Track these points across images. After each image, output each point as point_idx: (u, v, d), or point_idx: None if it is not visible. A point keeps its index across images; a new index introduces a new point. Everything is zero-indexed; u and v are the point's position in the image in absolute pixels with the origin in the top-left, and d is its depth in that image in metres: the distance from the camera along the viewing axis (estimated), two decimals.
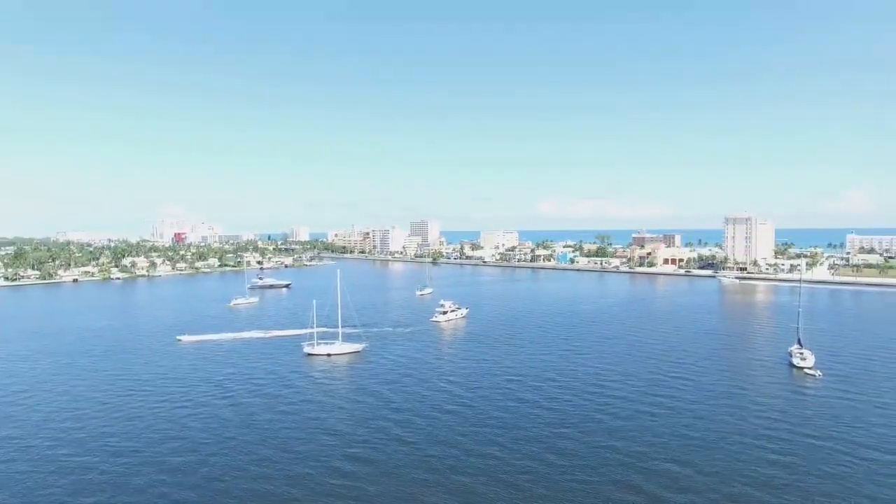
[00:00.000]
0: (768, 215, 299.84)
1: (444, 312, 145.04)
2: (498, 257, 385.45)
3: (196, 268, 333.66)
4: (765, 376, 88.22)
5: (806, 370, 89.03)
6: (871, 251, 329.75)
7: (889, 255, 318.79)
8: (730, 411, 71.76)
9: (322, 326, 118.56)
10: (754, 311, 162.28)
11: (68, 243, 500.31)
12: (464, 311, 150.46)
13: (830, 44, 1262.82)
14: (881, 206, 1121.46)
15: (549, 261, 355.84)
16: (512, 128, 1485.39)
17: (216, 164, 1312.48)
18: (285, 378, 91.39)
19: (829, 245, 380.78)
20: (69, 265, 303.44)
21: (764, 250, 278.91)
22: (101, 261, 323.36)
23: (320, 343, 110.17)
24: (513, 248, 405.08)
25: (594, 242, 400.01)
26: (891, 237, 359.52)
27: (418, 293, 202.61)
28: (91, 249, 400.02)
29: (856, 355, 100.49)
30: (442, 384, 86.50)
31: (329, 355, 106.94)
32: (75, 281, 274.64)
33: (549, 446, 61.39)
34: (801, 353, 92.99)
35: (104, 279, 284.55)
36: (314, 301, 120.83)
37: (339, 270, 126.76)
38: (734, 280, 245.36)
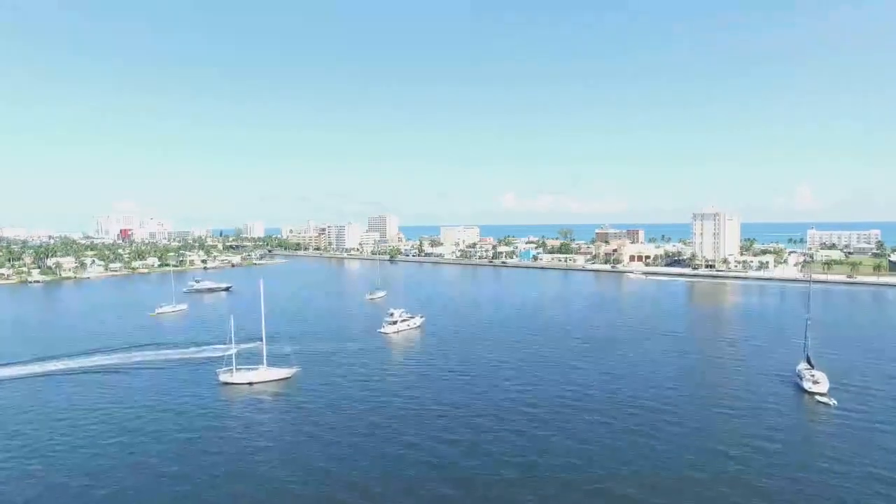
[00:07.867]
0: (730, 211, 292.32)
1: (394, 322, 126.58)
2: (458, 254, 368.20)
3: (132, 268, 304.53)
4: (773, 404, 73.71)
5: (818, 397, 74.77)
6: (832, 247, 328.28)
7: (848, 250, 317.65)
8: (734, 449, 56.66)
9: (256, 341, 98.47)
10: (727, 316, 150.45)
11: None
12: (417, 321, 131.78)
13: (787, 40, 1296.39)
14: (830, 202, 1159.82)
15: (512, 258, 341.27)
16: (472, 120, 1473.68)
17: (171, 158, 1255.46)
18: (191, 417, 72.04)
19: (790, 240, 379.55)
20: None
21: (731, 246, 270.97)
22: (22, 261, 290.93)
23: (240, 369, 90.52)
24: (473, 245, 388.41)
25: (557, 238, 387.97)
26: (849, 233, 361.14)
27: (368, 297, 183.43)
28: (13, 248, 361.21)
29: (864, 374, 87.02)
30: (373, 430, 68.74)
31: (251, 384, 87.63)
32: None
33: None
34: (813, 376, 78.36)
35: (20, 282, 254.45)
36: (231, 316, 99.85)
37: (261, 280, 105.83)
38: (641, 276, 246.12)
